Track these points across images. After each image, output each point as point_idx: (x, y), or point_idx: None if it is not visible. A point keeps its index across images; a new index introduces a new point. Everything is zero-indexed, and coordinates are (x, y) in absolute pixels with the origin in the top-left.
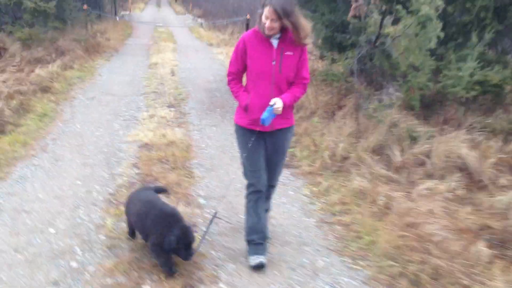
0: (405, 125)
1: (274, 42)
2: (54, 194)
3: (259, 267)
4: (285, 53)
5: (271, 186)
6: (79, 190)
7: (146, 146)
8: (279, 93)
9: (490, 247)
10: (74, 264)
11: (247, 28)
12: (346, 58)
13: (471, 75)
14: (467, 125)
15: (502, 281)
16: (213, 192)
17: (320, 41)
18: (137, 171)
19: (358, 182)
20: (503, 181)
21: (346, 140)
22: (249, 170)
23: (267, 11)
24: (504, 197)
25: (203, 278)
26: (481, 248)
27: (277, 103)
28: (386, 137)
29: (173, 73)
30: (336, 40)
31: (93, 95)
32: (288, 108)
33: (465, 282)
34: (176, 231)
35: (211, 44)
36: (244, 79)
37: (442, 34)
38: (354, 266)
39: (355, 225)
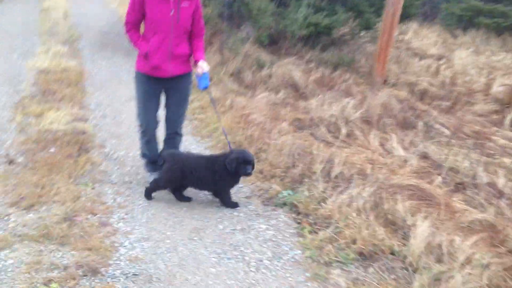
0: (255, 55)
1: None
2: None
3: (151, 170)
4: (182, 5)
5: (176, 133)
6: None
7: (43, 71)
8: (177, 41)
9: (294, 125)
10: None
11: None
12: (216, 3)
13: (305, 18)
14: (306, 58)
15: (289, 139)
16: (102, 101)
17: None
18: (36, 88)
19: (214, 93)
20: (317, 92)
21: (212, 67)
22: (142, 113)
23: None
24: (312, 100)
25: (94, 146)
26: (284, 125)
27: (205, 66)
28: (242, 64)
29: (66, 16)
30: None
31: None
32: (187, 56)
33: (267, 140)
34: (232, 155)
35: None
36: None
37: None
38: (202, 140)
39: (208, 119)
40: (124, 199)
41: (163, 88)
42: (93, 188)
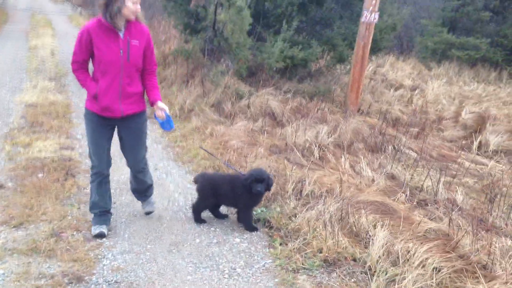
0: (235, 87)
1: (120, 32)
2: None
3: (100, 236)
4: (132, 43)
5: (139, 172)
6: None
7: (31, 105)
8: (128, 80)
9: (268, 151)
10: None
11: None
12: (197, 39)
13: (281, 51)
14: (285, 89)
15: (265, 162)
16: None
17: (180, 26)
18: (25, 120)
19: (195, 123)
20: (293, 120)
21: (194, 99)
22: (94, 153)
23: None
24: (288, 128)
25: (80, 171)
26: (261, 150)
27: (165, 107)
28: (222, 96)
29: (53, 54)
30: (191, 24)
31: None
32: (139, 95)
33: (244, 164)
34: (251, 174)
35: None
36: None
37: (251, 20)
38: (183, 165)
39: (189, 146)
40: None
41: (116, 127)
42: (78, 208)
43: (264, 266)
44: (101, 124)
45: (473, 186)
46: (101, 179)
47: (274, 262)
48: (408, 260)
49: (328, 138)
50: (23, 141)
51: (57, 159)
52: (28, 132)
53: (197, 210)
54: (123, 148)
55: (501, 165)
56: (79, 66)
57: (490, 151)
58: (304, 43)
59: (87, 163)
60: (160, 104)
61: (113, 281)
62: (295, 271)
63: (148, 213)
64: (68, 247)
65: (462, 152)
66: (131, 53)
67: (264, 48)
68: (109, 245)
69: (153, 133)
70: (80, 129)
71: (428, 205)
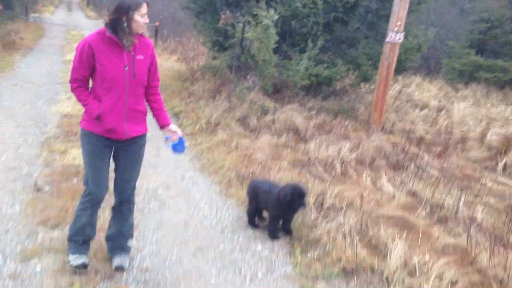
0: (260, 102)
1: (125, 47)
2: None
3: (83, 267)
4: (137, 57)
5: (126, 201)
6: (18, 139)
7: (66, 115)
8: (134, 99)
9: (291, 164)
10: (25, 170)
11: (156, 34)
12: (224, 56)
13: (306, 69)
14: (309, 106)
15: (287, 175)
16: None
17: (209, 44)
18: (60, 129)
19: (221, 136)
20: (317, 136)
21: (220, 113)
22: (93, 179)
23: (144, 8)
24: (311, 143)
25: None
26: (284, 164)
27: (179, 131)
28: (248, 111)
29: None
30: (219, 42)
31: (15, 82)
32: (144, 114)
33: (267, 176)
34: (288, 188)
35: None
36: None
37: (277, 38)
38: (208, 177)
39: (214, 158)
40: (136, 222)
41: (114, 148)
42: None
43: (284, 272)
44: (102, 146)
45: (495, 205)
46: (96, 207)
47: (294, 270)
48: (425, 272)
49: (350, 154)
50: (59, 148)
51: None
52: (64, 140)
53: (248, 213)
54: (118, 171)
55: None
56: (79, 84)
57: None
58: (329, 62)
59: None
60: (173, 126)
61: (142, 280)
62: (314, 279)
63: (118, 268)
64: (100, 247)
65: (486, 173)
66: (137, 69)
67: (290, 65)
68: (138, 248)
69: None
70: None
71: (448, 222)
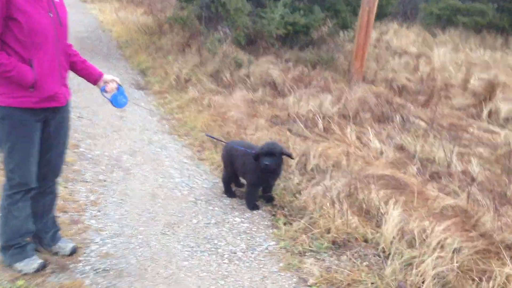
0: (233, 55)
1: None
2: None
3: (43, 267)
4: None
5: (53, 183)
6: None
7: None
8: (64, 53)
9: (269, 122)
10: None
11: None
12: (193, 6)
13: (282, 17)
14: (286, 57)
15: (265, 134)
16: (78, 103)
17: None
18: None
19: (192, 93)
20: (295, 89)
21: (190, 68)
22: (21, 166)
23: None
24: (290, 98)
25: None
26: (261, 122)
27: (115, 78)
28: (220, 65)
29: None
30: None
31: None
32: (67, 72)
33: (243, 136)
34: (261, 147)
35: (84, 1)
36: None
37: None
38: (179, 139)
39: (185, 118)
40: (97, 197)
41: (47, 119)
42: (65, 187)
43: (267, 249)
44: (33, 122)
45: (487, 157)
46: (27, 196)
47: (278, 244)
48: (424, 240)
49: (332, 108)
50: None
51: None
52: None
53: (224, 180)
54: (50, 148)
55: None
56: None
57: (501, 119)
58: (305, 9)
59: (76, 137)
60: (109, 76)
61: (101, 269)
62: (301, 254)
63: (74, 252)
64: None
65: (472, 121)
66: (61, 14)
67: (264, 14)
68: (98, 228)
69: (147, 106)
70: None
71: (441, 178)
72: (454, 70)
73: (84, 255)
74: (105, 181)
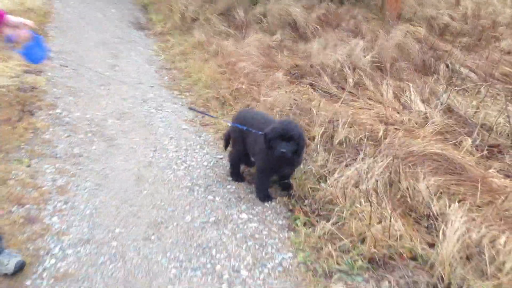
0: None
1: None
2: None
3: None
4: None
5: None
6: None
7: None
8: None
9: (288, 76)
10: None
11: None
12: None
13: None
14: None
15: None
16: (64, 47)
17: None
18: None
19: (198, 37)
20: (320, 32)
21: (199, 5)
22: None
23: None
24: (314, 43)
25: (42, 107)
26: (279, 75)
27: (27, 21)
28: (232, 1)
29: None
30: None
31: None
32: None
33: (256, 96)
34: (274, 128)
35: None
36: None
37: None
38: (179, 96)
39: (188, 68)
40: (66, 181)
41: None
42: (28, 166)
43: (281, 264)
44: None
45: None
46: None
47: (295, 258)
48: (503, 264)
49: (364, 57)
50: None
51: (14, 88)
52: None
53: (231, 160)
54: None
55: None
56: None
57: None
58: None
59: (54, 93)
60: (15, 18)
61: None
62: (326, 275)
63: (20, 269)
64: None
65: None
66: None
67: None
68: (60, 230)
69: (146, 52)
70: (55, 45)
71: (503, 154)
72: (500, 5)
73: (34, 276)
74: (80, 156)
